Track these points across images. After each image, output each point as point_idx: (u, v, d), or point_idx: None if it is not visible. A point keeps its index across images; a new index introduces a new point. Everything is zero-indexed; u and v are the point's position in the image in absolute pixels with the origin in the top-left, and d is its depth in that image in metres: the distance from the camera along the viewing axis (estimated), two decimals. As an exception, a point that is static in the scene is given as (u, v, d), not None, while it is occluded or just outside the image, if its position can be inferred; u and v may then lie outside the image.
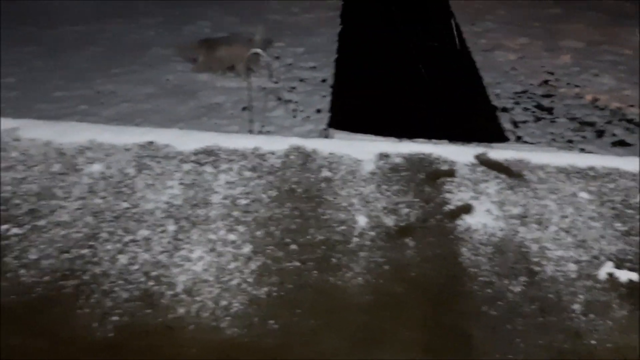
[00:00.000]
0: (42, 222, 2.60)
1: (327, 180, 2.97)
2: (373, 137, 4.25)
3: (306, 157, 3.12)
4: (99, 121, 4.71)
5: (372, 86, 5.73)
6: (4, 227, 2.56)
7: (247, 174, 2.99)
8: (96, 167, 2.94)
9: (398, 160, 3.16)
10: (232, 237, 2.60)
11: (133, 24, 6.82)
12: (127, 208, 2.72)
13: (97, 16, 6.97)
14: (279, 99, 5.45)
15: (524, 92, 5.80)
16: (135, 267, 2.42)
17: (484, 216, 2.81)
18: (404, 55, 6.40)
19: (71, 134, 3.14)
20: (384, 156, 3.18)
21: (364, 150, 3.21)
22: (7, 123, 3.23)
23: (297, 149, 3.17)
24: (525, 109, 5.45)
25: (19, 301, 2.24)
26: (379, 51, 6.53)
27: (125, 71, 5.69)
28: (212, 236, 2.60)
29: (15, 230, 2.54)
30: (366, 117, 5.10)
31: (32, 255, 2.43)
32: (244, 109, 5.18)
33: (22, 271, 2.36)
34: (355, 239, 2.64)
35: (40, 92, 5.19)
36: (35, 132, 3.15)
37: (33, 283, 2.30)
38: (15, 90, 5.21)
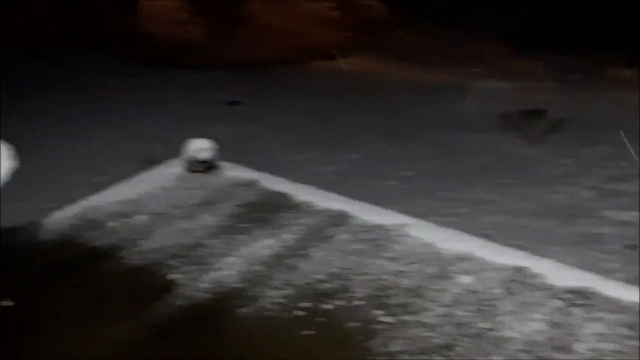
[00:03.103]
0: (408, 318, 2.84)
1: None
2: None
3: None
4: (475, 226, 4.96)
5: None
6: (377, 312, 2.89)
7: (623, 330, 2.68)
8: (466, 279, 3.08)
9: None
10: (591, 398, 2.35)
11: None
12: (486, 329, 2.75)
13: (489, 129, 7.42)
14: (676, 244, 4.79)
15: None
16: (485, 394, 2.41)
17: None
18: None
19: (452, 242, 3.37)
20: None
21: None
22: (400, 218, 3.68)
23: (694, 320, 2.70)
24: None
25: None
26: None
27: (509, 183, 5.90)
28: (570, 389, 2.40)
29: (385, 319, 2.84)
30: None
31: (394, 348, 2.67)
32: (628, 246, 4.72)
33: (384, 358, 2.61)
34: None
35: (430, 190, 5.79)
36: (422, 232, 3.49)
37: (389, 374, 2.53)
38: (409, 184, 5.95)
